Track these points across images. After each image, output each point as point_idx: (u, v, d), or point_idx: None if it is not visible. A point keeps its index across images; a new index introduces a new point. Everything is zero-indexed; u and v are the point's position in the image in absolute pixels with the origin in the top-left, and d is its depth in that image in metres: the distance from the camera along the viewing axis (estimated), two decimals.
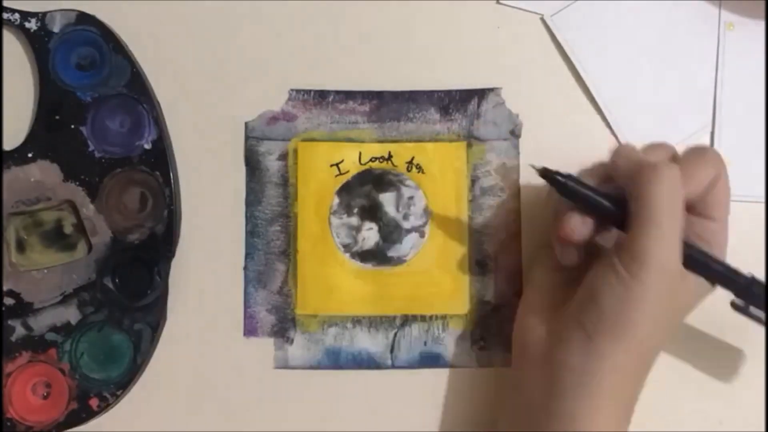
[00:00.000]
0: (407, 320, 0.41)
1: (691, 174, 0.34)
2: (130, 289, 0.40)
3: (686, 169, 0.34)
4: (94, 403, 0.39)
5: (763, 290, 0.35)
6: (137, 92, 0.40)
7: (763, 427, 0.40)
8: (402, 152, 0.41)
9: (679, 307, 0.36)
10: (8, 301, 0.39)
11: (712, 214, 0.36)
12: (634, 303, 0.32)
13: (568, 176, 0.35)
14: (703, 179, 0.35)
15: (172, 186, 0.40)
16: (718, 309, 0.41)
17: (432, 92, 0.42)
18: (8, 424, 0.39)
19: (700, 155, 0.35)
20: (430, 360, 0.41)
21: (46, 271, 0.40)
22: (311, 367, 0.41)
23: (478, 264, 0.41)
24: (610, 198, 0.34)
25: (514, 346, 0.38)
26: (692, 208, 0.35)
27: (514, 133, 0.41)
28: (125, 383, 0.39)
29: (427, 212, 0.41)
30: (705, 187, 0.35)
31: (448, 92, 0.42)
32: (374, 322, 0.41)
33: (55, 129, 0.40)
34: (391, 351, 0.41)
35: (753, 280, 0.35)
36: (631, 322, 0.33)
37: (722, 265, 0.35)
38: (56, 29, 0.40)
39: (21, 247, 0.40)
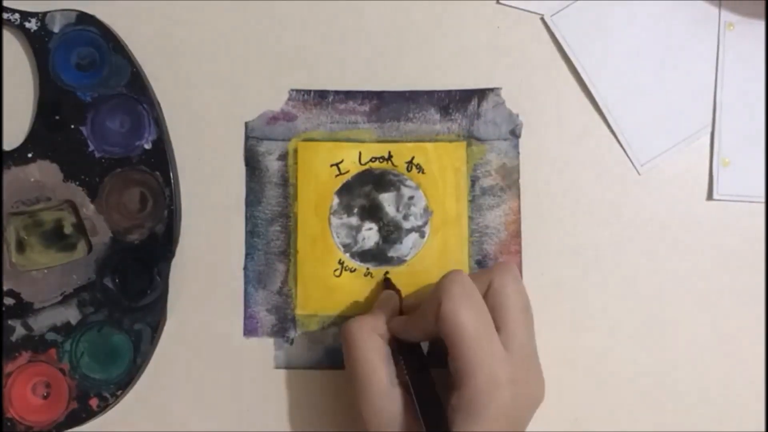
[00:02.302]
0: None
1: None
2: (130, 289, 0.40)
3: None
4: (94, 403, 0.39)
5: None
6: (137, 92, 0.40)
7: (763, 427, 0.40)
8: (402, 152, 0.41)
9: None
10: (8, 301, 0.39)
11: (450, 352, 0.34)
12: None
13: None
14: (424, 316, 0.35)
15: (172, 186, 0.40)
16: (718, 308, 0.41)
17: (432, 92, 0.41)
18: (8, 424, 0.39)
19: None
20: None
21: (46, 271, 0.40)
22: (311, 367, 0.41)
23: (478, 264, 0.41)
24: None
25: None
26: None
27: (514, 133, 0.41)
28: (125, 383, 0.39)
29: (427, 212, 0.41)
30: (427, 315, 0.35)
31: (448, 92, 0.41)
32: None
33: (55, 129, 0.40)
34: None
35: None
36: None
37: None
38: (56, 29, 0.40)
39: (21, 247, 0.40)
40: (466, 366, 0.33)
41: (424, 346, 0.38)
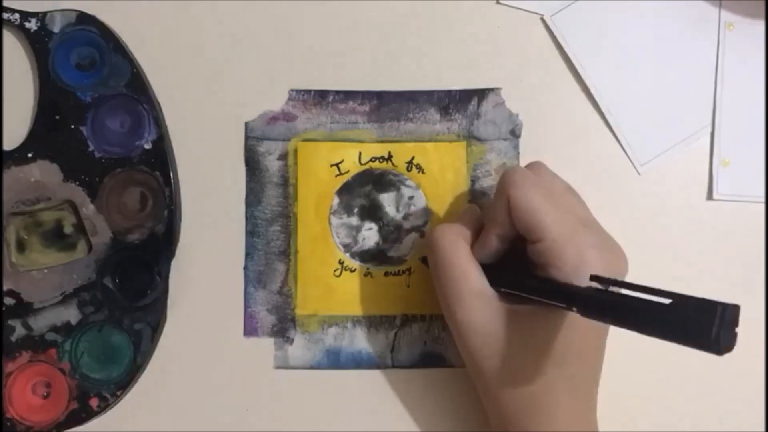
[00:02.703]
0: (407, 320, 0.41)
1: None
2: (130, 289, 0.40)
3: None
4: (94, 403, 0.39)
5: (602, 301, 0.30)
6: (137, 92, 0.40)
7: (763, 427, 0.40)
8: (402, 152, 0.41)
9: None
10: (8, 301, 0.39)
11: (531, 237, 0.34)
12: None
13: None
14: (496, 206, 0.35)
15: (172, 186, 0.40)
16: None
17: (432, 92, 0.41)
18: (8, 424, 0.39)
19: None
20: (430, 360, 0.41)
21: (46, 271, 0.40)
22: (311, 367, 0.41)
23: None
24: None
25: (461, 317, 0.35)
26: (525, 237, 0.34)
27: (514, 133, 0.41)
28: (125, 383, 0.39)
29: (427, 212, 0.41)
30: (498, 214, 0.35)
31: (448, 92, 0.41)
32: (374, 322, 0.41)
33: (55, 129, 0.40)
34: (391, 351, 0.41)
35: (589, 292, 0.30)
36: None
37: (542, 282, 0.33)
38: (56, 29, 0.40)
39: (21, 247, 0.40)
40: (552, 242, 0.33)
41: None
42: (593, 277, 0.30)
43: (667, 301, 0.26)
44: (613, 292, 0.29)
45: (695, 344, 0.25)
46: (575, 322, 0.33)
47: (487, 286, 0.35)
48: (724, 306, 0.25)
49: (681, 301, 0.26)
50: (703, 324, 0.25)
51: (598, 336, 0.35)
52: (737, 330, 0.25)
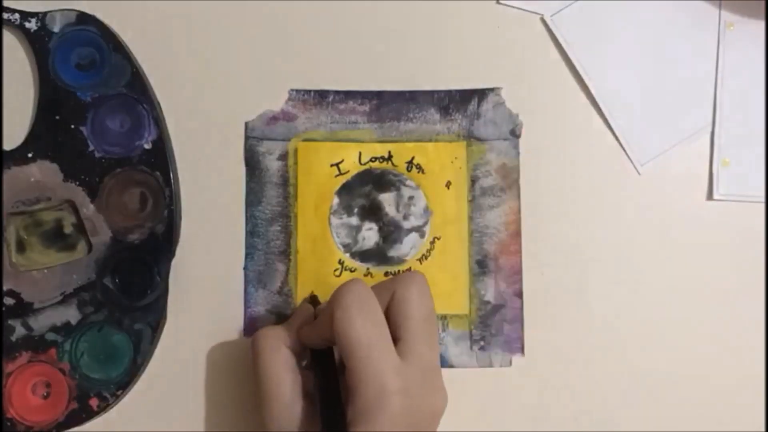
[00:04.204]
0: None
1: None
2: (130, 289, 0.40)
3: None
4: (94, 403, 0.39)
5: None
6: (137, 92, 0.40)
7: (763, 427, 0.40)
8: (402, 152, 0.41)
9: None
10: (8, 301, 0.39)
11: (344, 362, 0.34)
12: None
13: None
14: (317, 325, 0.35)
15: (172, 186, 0.40)
16: (718, 308, 0.41)
17: (432, 92, 0.41)
18: (8, 424, 0.39)
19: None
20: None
21: (46, 271, 0.40)
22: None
23: (478, 264, 0.41)
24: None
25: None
26: None
27: (514, 133, 0.41)
28: (125, 383, 0.39)
29: (427, 212, 0.41)
30: (324, 322, 0.35)
31: (448, 92, 0.41)
32: None
33: (55, 129, 0.40)
34: None
35: None
36: None
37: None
38: (56, 29, 0.40)
39: (21, 247, 0.40)
40: (356, 377, 0.33)
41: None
42: None
43: None
44: None
45: None
46: None
47: (297, 396, 0.35)
48: None
49: None
50: None
51: None
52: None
